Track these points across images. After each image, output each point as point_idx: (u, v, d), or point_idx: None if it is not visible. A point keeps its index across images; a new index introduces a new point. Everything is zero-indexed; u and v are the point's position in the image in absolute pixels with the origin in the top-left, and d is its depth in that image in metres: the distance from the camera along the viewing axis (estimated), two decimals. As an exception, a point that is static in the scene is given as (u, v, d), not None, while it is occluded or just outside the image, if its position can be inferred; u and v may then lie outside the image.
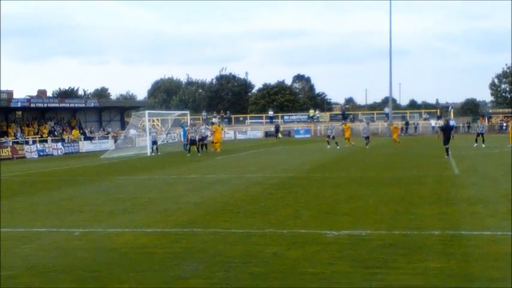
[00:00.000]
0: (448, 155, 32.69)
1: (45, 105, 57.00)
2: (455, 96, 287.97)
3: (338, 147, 46.13)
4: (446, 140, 33.21)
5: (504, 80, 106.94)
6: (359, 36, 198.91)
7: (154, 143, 47.15)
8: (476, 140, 44.90)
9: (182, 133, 47.97)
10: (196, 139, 44.23)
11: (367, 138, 48.54)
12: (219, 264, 9.83)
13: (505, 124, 78.15)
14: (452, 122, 61.16)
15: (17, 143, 50.52)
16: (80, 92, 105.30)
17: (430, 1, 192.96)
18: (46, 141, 53.07)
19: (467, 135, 67.18)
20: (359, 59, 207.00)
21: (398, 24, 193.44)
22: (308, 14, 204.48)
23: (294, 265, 9.69)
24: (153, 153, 45.81)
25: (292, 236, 11.93)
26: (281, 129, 78.12)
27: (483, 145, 43.31)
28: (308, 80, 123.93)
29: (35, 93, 66.13)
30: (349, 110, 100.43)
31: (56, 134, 56.16)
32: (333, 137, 48.96)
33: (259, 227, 12.99)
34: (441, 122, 39.50)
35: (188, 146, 44.86)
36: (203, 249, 11.05)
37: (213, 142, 46.61)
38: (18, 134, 52.13)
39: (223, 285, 8.74)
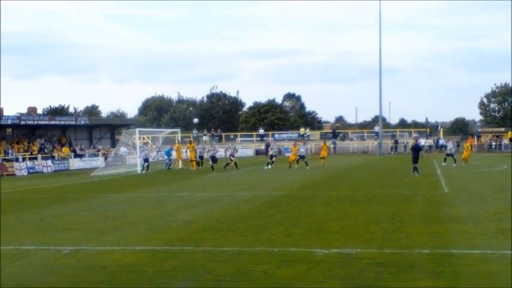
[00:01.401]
0: (416, 172, 34.08)
1: (36, 122, 56.83)
2: (445, 115, 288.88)
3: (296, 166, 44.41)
4: (415, 159, 34.74)
5: (493, 99, 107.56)
6: (350, 55, 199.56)
7: (146, 160, 47.27)
8: (444, 160, 45.64)
9: (166, 153, 48.72)
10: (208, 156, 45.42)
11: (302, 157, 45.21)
12: (209, 283, 9.81)
13: (494, 143, 78.63)
14: (422, 143, 62.45)
15: (7, 160, 50.26)
16: (71, 110, 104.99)
17: (422, 21, 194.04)
18: (36, 158, 52.83)
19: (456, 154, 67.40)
20: (350, 78, 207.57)
21: (389, 43, 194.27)
22: (299, 33, 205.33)
23: (284, 283, 9.68)
24: (143, 171, 45.80)
25: (283, 254, 11.92)
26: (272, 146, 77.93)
27: (454, 164, 43.46)
28: (299, 98, 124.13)
29: (25, 111, 65.92)
30: (340, 129, 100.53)
31: (46, 151, 55.94)
32: (272, 156, 46.17)
33: (250, 245, 12.97)
34: (413, 142, 40.63)
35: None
36: (193, 267, 11.02)
37: (190, 160, 47.07)
38: (9, 151, 51.89)
39: (213, 304, 8.71)
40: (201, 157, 47.91)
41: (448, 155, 46.20)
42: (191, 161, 46.96)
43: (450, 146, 48.72)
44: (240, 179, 34.73)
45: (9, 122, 52.95)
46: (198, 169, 45.32)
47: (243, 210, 19.33)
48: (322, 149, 49.57)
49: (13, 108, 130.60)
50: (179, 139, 56.57)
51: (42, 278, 10.45)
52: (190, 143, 51.75)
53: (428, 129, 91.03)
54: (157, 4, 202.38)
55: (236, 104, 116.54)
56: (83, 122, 63.20)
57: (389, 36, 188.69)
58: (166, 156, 50.67)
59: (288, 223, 16.17)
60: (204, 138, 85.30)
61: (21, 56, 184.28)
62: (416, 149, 35.71)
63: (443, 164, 44.18)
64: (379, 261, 11.12)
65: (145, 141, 56.56)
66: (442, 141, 77.35)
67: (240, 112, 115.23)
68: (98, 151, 62.30)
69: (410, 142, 48.35)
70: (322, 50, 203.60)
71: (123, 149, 55.34)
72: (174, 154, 50.30)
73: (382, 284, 9.49)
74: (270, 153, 46.69)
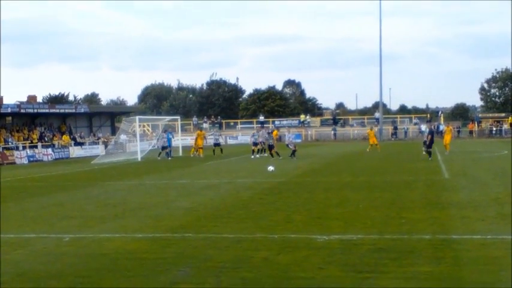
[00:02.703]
0: (430, 156, 34.48)
1: (36, 110, 56.81)
2: (445, 101, 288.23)
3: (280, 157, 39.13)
4: (431, 143, 34.86)
5: (494, 84, 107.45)
6: (350, 42, 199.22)
7: (163, 148, 46.57)
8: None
9: (167, 140, 48.20)
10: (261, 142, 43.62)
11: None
12: (210, 270, 9.82)
13: (494, 128, 78.60)
14: (422, 128, 61.37)
15: (7, 148, 50.27)
16: (71, 98, 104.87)
17: (422, 6, 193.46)
18: (36, 146, 52.85)
19: (457, 140, 67.50)
20: (350, 64, 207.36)
21: (390, 29, 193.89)
22: (299, 19, 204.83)
23: (284, 270, 9.69)
24: (158, 158, 45.77)
25: (283, 241, 11.93)
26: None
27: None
28: (299, 85, 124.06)
29: (25, 99, 65.86)
30: (340, 115, 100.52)
31: (46, 139, 55.95)
32: (256, 144, 43.25)
33: (250, 232, 12.98)
34: (429, 126, 39.90)
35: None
36: (194, 254, 11.04)
37: (199, 147, 46.85)
38: (9, 140, 51.89)
39: (214, 290, 8.73)
40: (217, 144, 48.22)
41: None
42: (200, 148, 46.87)
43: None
44: (240, 166, 34.73)
45: (9, 110, 52.95)
46: (215, 155, 45.39)
47: (243, 197, 19.34)
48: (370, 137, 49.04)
49: (13, 97, 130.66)
50: (179, 126, 56.68)
51: (43, 266, 10.47)
52: (201, 130, 51.72)
53: (428, 115, 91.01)
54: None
55: (236, 91, 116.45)
56: (82, 110, 63.17)
57: (390, 22, 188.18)
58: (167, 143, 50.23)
59: (288, 210, 16.18)
60: (204, 125, 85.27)
61: (21, 44, 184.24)
62: (433, 134, 35.92)
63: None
64: (380, 247, 11.13)
65: (165, 129, 56.19)
66: (442, 127, 77.30)
67: (240, 99, 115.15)
68: (98, 139, 62.32)
69: (426, 126, 46.36)
70: (322, 36, 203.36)
71: (123, 137, 55.33)
72: (172, 141, 49.94)
73: (382, 270, 9.50)
74: (252, 141, 44.00)
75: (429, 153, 34.90)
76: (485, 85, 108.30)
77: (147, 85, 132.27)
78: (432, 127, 40.00)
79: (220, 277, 9.36)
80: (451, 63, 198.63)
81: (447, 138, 42.73)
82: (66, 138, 58.07)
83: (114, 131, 66.63)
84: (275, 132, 44.02)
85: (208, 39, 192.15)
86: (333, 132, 78.81)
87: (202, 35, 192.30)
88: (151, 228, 13.89)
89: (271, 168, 26.87)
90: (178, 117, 61.08)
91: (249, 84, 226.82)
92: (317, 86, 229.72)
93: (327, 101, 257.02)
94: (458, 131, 79.33)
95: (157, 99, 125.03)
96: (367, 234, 12.41)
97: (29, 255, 11.42)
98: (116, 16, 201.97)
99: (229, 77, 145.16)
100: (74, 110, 62.00)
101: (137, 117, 52.20)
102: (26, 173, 35.84)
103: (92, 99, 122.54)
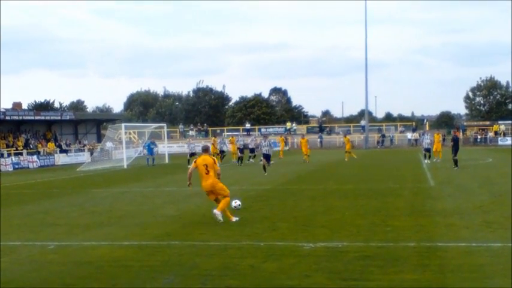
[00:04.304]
0: (456, 166, 33.09)
1: (20, 117, 56.43)
2: (431, 109, 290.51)
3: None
4: (456, 151, 33.94)
5: (478, 93, 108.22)
6: (337, 50, 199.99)
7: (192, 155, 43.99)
8: (425, 156, 41.61)
9: (147, 149, 48.14)
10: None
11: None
12: (196, 277, 9.81)
13: (479, 137, 79.06)
14: (409, 136, 60.82)
15: (-8, 156, 49.94)
16: (56, 105, 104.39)
17: (408, 15, 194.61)
18: (21, 154, 52.52)
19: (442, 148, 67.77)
20: (336, 72, 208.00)
21: (376, 37, 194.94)
22: (286, 28, 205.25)
23: (270, 278, 9.69)
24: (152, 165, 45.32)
25: (269, 249, 11.93)
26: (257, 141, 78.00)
27: (428, 161, 40.40)
28: (285, 92, 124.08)
29: (10, 106, 65.51)
30: (326, 123, 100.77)
31: (31, 146, 55.62)
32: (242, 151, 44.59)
33: (236, 240, 12.98)
34: (453, 133, 38.58)
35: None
36: (180, 262, 11.02)
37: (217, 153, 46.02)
38: (-7, 147, 51.55)
39: (200, 298, 8.72)
40: (242, 150, 46.01)
41: (426, 150, 42.03)
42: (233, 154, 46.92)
43: (427, 140, 42.65)
44: (226, 174, 34.63)
45: (-6, 117, 52.57)
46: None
47: (230, 205, 19.28)
48: (302, 145, 46.73)
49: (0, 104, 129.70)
50: (165, 133, 56.53)
51: (28, 274, 10.41)
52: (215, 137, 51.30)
53: (414, 123, 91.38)
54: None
55: (222, 98, 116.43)
56: (68, 117, 62.90)
57: (376, 31, 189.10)
58: (146, 151, 49.50)
59: (274, 217, 16.19)
60: (191, 133, 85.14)
61: (6, 50, 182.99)
62: (457, 141, 34.90)
63: (427, 161, 40.66)
64: (366, 254, 11.16)
65: (191, 135, 54.89)
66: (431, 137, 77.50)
67: (226, 107, 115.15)
68: (83, 146, 62.06)
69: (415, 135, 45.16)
70: (309, 44, 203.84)
71: (109, 144, 55.13)
72: (155, 150, 49.56)
73: (368, 277, 9.53)
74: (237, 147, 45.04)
75: (455, 162, 33.44)
76: (470, 93, 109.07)
77: (132, 92, 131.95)
78: (456, 134, 37.87)
79: (206, 285, 9.35)
80: (436, 72, 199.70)
81: (438, 146, 42.88)
82: (51, 145, 57.74)
83: (99, 138, 66.33)
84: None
85: (195, 46, 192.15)
86: (319, 140, 78.86)
87: (189, 43, 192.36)
88: (137, 236, 13.85)
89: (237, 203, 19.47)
90: (165, 124, 60.98)
91: (236, 91, 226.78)
92: (303, 94, 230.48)
93: (313, 108, 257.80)
94: (444, 139, 79.66)
95: (144, 107, 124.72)
96: (353, 241, 12.44)
97: (14, 263, 11.35)
98: (102, 23, 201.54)
99: (216, 84, 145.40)
100: (59, 117, 61.70)
101: (123, 125, 52.07)
102: (11, 180, 35.62)
103: (77, 106, 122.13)
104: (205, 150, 16.67)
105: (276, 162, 42.29)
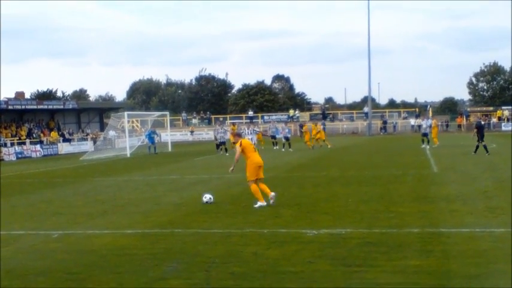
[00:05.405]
0: (487, 152, 32.41)
1: (23, 107, 56.48)
2: (434, 95, 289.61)
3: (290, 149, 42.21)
4: (482, 137, 33.42)
5: (482, 78, 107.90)
6: (340, 36, 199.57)
7: (221, 143, 43.63)
8: (422, 141, 42.20)
9: (148, 137, 47.97)
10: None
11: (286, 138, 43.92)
12: (199, 265, 9.82)
13: (483, 122, 78.85)
14: (412, 122, 60.57)
15: (-5, 145, 50.03)
16: (59, 94, 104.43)
17: (412, 0, 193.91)
18: (24, 143, 52.60)
19: (445, 134, 67.77)
20: (339, 59, 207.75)
21: (379, 24, 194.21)
22: (289, 14, 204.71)
23: (274, 264, 9.70)
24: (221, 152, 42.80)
25: (272, 236, 11.94)
26: (261, 129, 77.95)
27: (428, 146, 41.00)
28: (288, 80, 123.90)
29: (12, 95, 65.51)
30: (329, 110, 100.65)
31: (34, 136, 55.69)
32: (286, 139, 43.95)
33: (240, 227, 12.99)
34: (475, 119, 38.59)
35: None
36: (183, 249, 11.03)
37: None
38: (-4, 137, 51.62)
39: (203, 286, 8.73)
40: (274, 137, 46.20)
41: (423, 134, 42.59)
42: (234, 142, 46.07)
43: (424, 125, 43.45)
44: (230, 162, 34.62)
45: (-3, 106, 52.62)
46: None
47: (233, 192, 19.36)
48: (314, 130, 47.06)
49: (1, 93, 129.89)
50: (168, 122, 56.46)
51: (32, 263, 10.43)
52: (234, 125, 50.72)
53: (417, 109, 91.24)
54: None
55: (225, 86, 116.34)
56: (71, 106, 62.96)
57: (380, 17, 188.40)
58: (147, 140, 49.02)
59: (277, 204, 16.17)
60: (194, 121, 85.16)
61: (9, 40, 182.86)
62: (481, 127, 34.20)
63: (423, 146, 41.29)
64: (369, 240, 11.16)
65: (220, 124, 53.64)
66: (430, 122, 77.51)
67: (229, 94, 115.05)
68: (86, 135, 62.13)
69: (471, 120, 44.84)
70: (311, 30, 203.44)
71: (112, 133, 55.20)
72: (156, 139, 49.55)
73: (371, 263, 9.53)
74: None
75: (485, 147, 32.70)
76: (474, 79, 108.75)
77: (135, 81, 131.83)
78: (480, 120, 37.47)
79: (209, 272, 9.36)
80: (439, 58, 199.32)
81: (434, 132, 43.30)
82: (54, 134, 57.82)
83: (102, 127, 66.41)
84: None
85: (197, 34, 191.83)
86: (322, 127, 78.74)
87: (192, 31, 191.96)
88: (141, 224, 13.87)
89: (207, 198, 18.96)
90: (167, 112, 60.95)
91: (238, 79, 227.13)
92: (306, 81, 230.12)
93: (316, 95, 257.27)
94: (447, 125, 79.58)
95: (146, 95, 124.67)
96: (356, 228, 12.44)
97: (18, 252, 11.38)
98: (104, 12, 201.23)
99: (218, 72, 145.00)
100: (62, 106, 61.75)
101: (126, 113, 52.06)
102: (14, 169, 35.67)
103: (80, 95, 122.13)
104: (239, 135, 19.08)
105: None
